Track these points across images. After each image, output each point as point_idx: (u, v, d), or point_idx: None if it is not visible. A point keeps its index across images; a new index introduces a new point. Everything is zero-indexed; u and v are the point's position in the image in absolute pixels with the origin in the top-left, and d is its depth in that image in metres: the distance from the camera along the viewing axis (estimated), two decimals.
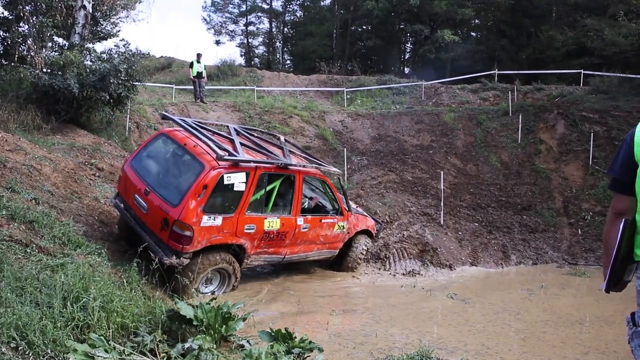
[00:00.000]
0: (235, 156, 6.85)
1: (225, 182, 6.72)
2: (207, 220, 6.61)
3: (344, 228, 8.98)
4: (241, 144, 7.51)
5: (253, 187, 7.08)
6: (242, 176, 6.91)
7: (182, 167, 7.20)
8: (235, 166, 6.84)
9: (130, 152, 12.30)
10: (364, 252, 9.83)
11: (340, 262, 9.58)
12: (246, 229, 7.15)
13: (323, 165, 8.86)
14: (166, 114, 8.11)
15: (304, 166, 8.21)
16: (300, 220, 8.02)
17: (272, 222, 7.51)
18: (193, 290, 6.54)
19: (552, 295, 9.43)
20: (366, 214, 10.34)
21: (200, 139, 7.05)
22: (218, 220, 6.75)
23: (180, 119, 7.79)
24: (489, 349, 6.17)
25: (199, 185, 6.51)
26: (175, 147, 7.37)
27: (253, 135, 8.57)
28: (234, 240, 7.11)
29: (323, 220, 8.56)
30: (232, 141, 7.53)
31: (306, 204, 8.58)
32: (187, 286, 6.44)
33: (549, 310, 8.42)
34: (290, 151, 8.57)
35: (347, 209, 9.06)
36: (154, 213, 6.71)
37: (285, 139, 9.40)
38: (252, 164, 7.09)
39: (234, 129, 8.26)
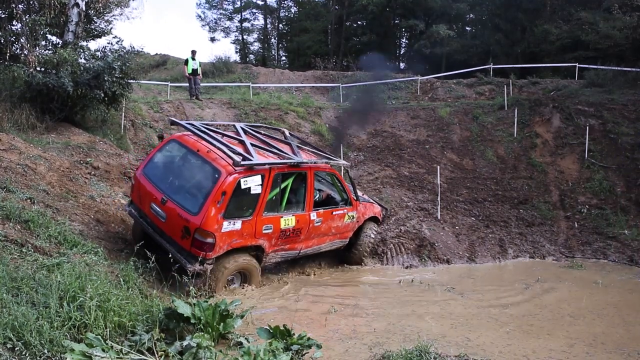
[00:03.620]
0: (251, 160, 6.93)
1: (243, 186, 6.81)
2: (227, 226, 6.72)
3: (353, 217, 9.17)
4: (252, 144, 7.60)
5: (269, 188, 7.20)
6: (257, 179, 7.01)
7: (198, 173, 7.24)
8: (250, 170, 6.91)
9: (126, 150, 12.30)
10: (373, 239, 10.03)
11: (350, 249, 9.76)
12: (264, 230, 7.29)
13: (332, 159, 9.00)
14: (175, 119, 8.15)
15: (314, 162, 8.32)
16: (313, 215, 8.18)
17: (287, 220, 7.66)
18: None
19: (548, 288, 9.46)
20: (372, 201, 10.53)
21: (212, 144, 7.11)
22: (238, 225, 6.88)
23: (189, 124, 7.85)
24: (470, 341, 6.20)
25: (218, 192, 6.59)
26: (188, 153, 7.42)
27: (260, 133, 8.64)
28: (253, 242, 7.25)
29: (334, 212, 8.72)
30: (242, 142, 7.62)
31: (317, 197, 8.69)
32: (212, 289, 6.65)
33: (540, 304, 8.46)
34: (298, 146, 8.69)
35: (355, 198, 9.21)
36: (173, 221, 6.78)
37: (290, 133, 9.54)
38: (267, 166, 7.17)
39: (241, 128, 8.32)
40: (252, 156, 7.08)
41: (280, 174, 7.47)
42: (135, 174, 7.74)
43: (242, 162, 6.73)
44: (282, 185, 7.61)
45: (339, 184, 8.97)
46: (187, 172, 7.44)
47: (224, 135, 7.78)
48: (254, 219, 7.10)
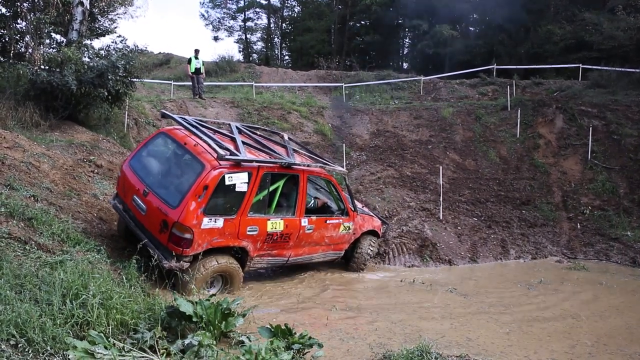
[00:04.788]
0: (237, 155, 6.67)
1: (227, 182, 6.52)
2: (207, 223, 6.42)
3: (349, 229, 8.82)
4: (243, 142, 7.33)
5: (256, 187, 6.88)
6: (244, 176, 6.70)
7: (182, 166, 6.97)
8: (237, 166, 6.64)
9: (129, 148, 12.32)
10: (371, 254, 9.62)
11: (346, 263, 9.44)
12: (249, 231, 6.97)
13: (328, 165, 8.62)
14: (165, 112, 7.88)
15: (308, 165, 7.99)
16: (304, 222, 7.84)
17: (275, 224, 7.32)
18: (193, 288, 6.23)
19: (550, 289, 9.47)
20: (372, 214, 10.13)
21: (200, 138, 6.86)
22: (219, 222, 6.56)
23: (180, 117, 7.58)
24: (471, 341, 6.22)
25: (200, 185, 6.31)
26: (175, 146, 7.15)
27: (255, 134, 8.36)
28: (236, 243, 6.92)
29: (328, 221, 8.38)
30: (234, 140, 7.34)
31: (311, 204, 8.39)
32: (189, 287, 6.21)
33: (542, 305, 8.46)
34: (294, 150, 8.39)
35: (352, 209, 8.88)
36: (152, 214, 6.53)
37: (288, 137, 9.23)
38: (255, 164, 6.89)
39: (236, 127, 8.04)
40: (240, 152, 6.81)
41: (270, 174, 7.15)
42: (121, 166, 7.50)
43: (227, 157, 6.47)
44: (272, 187, 7.31)
45: (335, 192, 8.61)
46: (172, 165, 7.17)
47: (216, 131, 7.49)
48: (237, 219, 6.78)
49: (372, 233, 9.59)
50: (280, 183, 7.49)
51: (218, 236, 6.62)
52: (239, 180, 6.65)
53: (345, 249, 9.12)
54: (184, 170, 6.88)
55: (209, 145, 6.67)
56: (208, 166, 6.45)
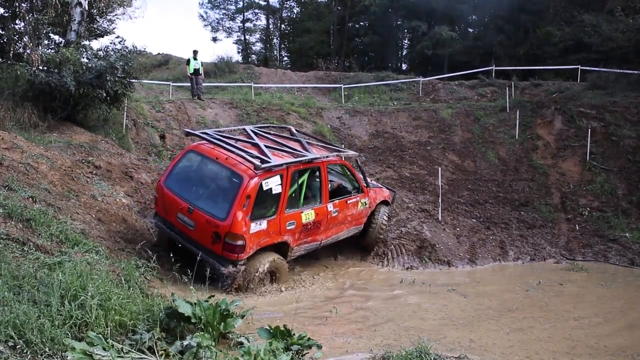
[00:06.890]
0: (269, 162, 7.27)
1: (264, 188, 7.20)
2: (255, 227, 7.17)
3: (366, 204, 9.64)
4: (266, 146, 7.95)
5: (287, 186, 7.57)
6: (277, 179, 7.40)
7: (220, 180, 7.61)
8: (269, 171, 7.26)
9: (128, 149, 12.32)
10: (386, 221, 10.38)
11: (365, 234, 10.09)
12: (288, 226, 7.75)
13: (342, 151, 9.55)
14: (189, 130, 8.58)
15: (327, 156, 8.74)
16: (330, 207, 8.63)
17: (308, 215, 8.12)
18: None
19: (551, 290, 9.47)
20: (381, 185, 10.93)
21: (230, 150, 7.47)
22: (264, 225, 7.34)
23: (203, 133, 8.25)
24: (472, 342, 6.21)
25: (243, 196, 6.97)
26: (207, 162, 7.74)
27: (270, 134, 9.05)
28: (279, 239, 7.69)
29: (348, 201, 9.17)
30: (255, 145, 7.99)
31: (330, 188, 8.99)
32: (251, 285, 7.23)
33: (542, 306, 8.46)
34: (308, 142, 9.08)
35: (366, 185, 9.59)
36: (202, 228, 7.13)
37: (296, 130, 10.01)
38: (284, 166, 7.53)
39: (252, 130, 8.72)
40: (269, 158, 7.40)
41: (297, 171, 7.84)
42: (157, 187, 8.07)
43: (262, 166, 7.07)
44: (299, 182, 7.96)
45: (350, 174, 9.39)
46: (209, 180, 7.78)
47: (237, 140, 8.12)
48: (277, 217, 7.51)
49: (384, 203, 10.37)
50: (305, 177, 8.18)
51: (264, 237, 7.38)
52: (274, 184, 7.37)
53: (364, 222, 9.84)
54: (223, 183, 7.55)
55: (241, 157, 7.31)
56: (246, 177, 7.10)
